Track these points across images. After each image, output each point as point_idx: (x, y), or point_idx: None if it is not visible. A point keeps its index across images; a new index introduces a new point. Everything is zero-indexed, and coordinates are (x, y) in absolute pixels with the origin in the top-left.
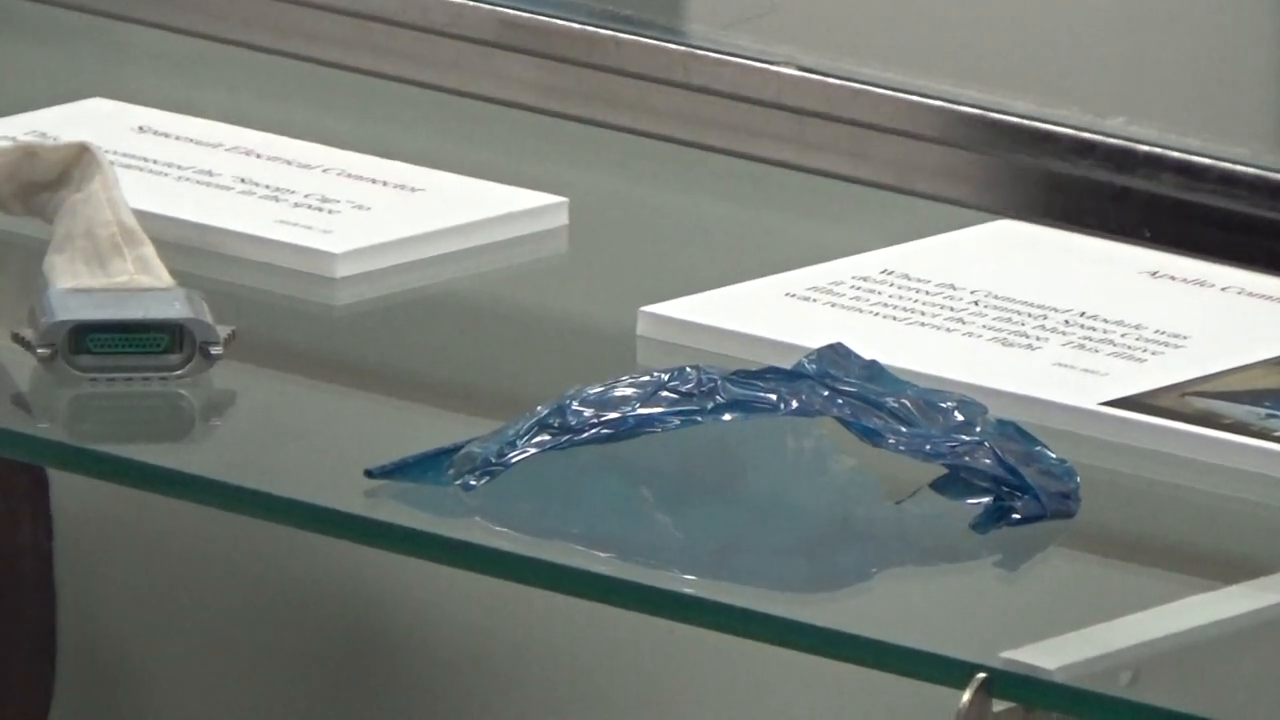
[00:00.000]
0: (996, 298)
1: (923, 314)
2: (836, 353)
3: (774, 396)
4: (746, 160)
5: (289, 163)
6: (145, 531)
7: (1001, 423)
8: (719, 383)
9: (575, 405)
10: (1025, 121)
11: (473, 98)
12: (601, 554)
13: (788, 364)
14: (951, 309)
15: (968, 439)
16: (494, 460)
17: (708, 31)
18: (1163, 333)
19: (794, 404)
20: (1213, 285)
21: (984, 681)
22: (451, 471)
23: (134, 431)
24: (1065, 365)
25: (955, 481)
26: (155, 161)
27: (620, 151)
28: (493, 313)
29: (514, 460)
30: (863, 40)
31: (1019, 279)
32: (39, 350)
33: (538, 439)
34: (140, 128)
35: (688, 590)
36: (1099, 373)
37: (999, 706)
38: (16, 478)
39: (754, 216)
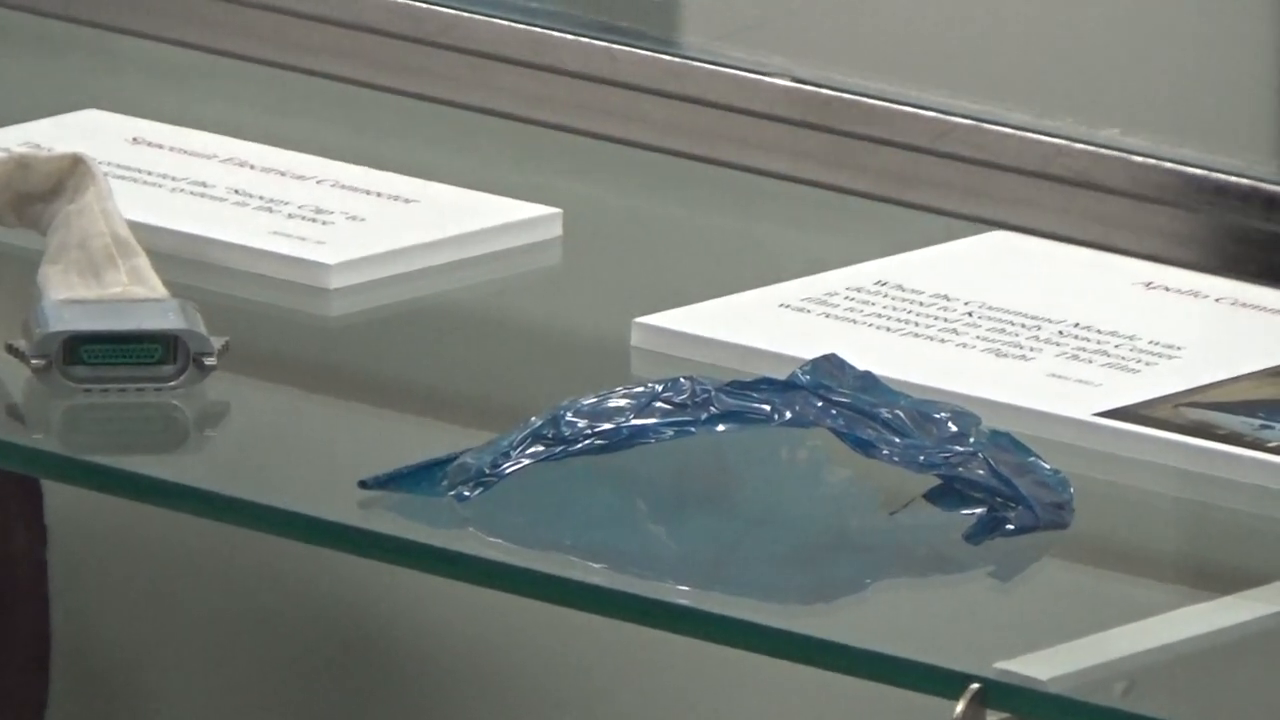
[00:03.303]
0: (990, 309)
1: (917, 325)
2: (830, 363)
3: (768, 407)
4: (740, 171)
5: (283, 174)
6: (139, 541)
7: (995, 433)
8: (713, 393)
9: (569, 416)
10: (1020, 132)
11: (467, 109)
12: (595, 565)
13: (782, 375)
14: (945, 320)
15: (961, 450)
16: (488, 471)
17: (702, 43)
18: (1157, 343)
19: (788, 415)
20: (1207, 296)
21: (977, 692)
22: (445, 482)
23: (128, 442)
24: (1059, 376)
25: (949, 492)
26: (149, 173)
27: (614, 163)
28: (487, 324)
29: (508, 471)
30: (856, 51)
31: (1013, 290)
32: (33, 361)
33: (532, 450)
34: (134, 139)
35: (682, 601)
36: (1093, 383)
37: (993, 717)
38: (10, 487)
39: (748, 227)
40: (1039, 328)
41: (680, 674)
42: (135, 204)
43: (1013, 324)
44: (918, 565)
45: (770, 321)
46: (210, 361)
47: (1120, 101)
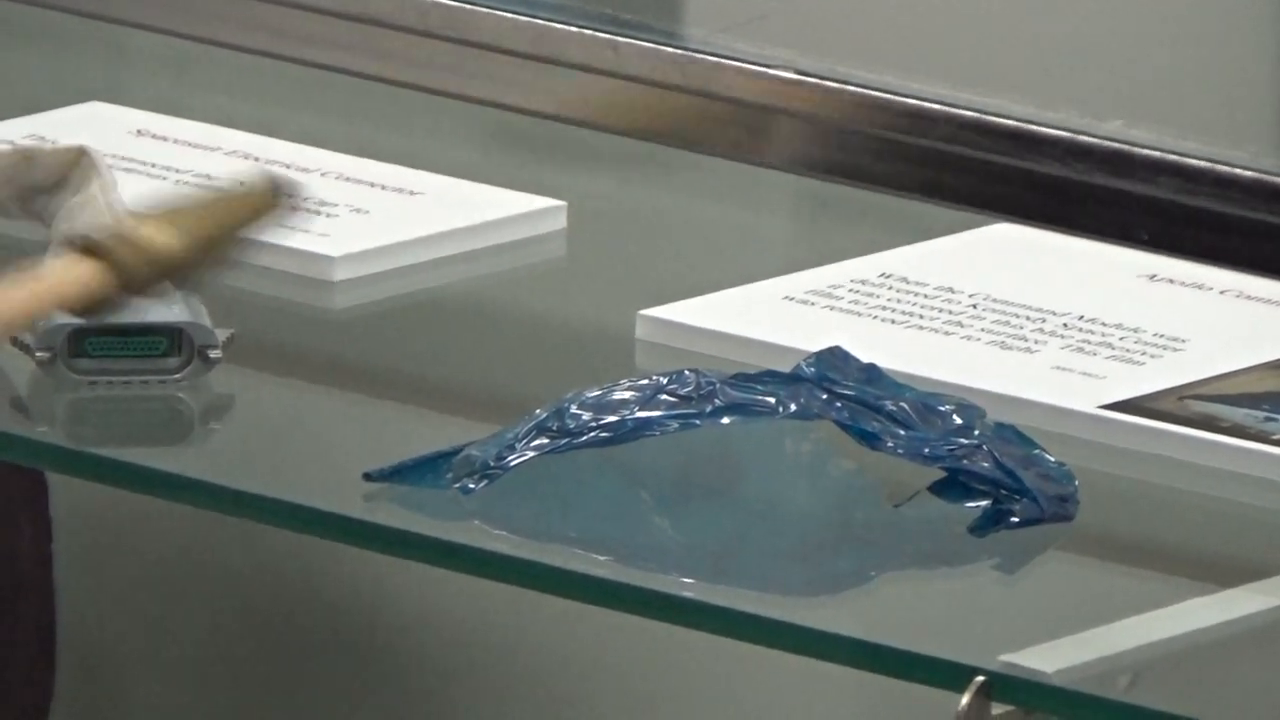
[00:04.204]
0: (995, 301)
1: (921, 317)
2: (835, 356)
3: (772, 400)
4: (745, 164)
5: (287, 166)
6: (144, 534)
7: (1000, 426)
8: (717, 386)
9: (574, 408)
10: (1023, 125)
11: (471, 101)
12: (600, 557)
13: (786, 367)
14: (950, 312)
15: (966, 442)
16: (493, 463)
17: (705, 35)
18: (1161, 336)
19: (792, 407)
20: (1211, 288)
21: (982, 684)
22: (450, 475)
23: (132, 435)
24: (1064, 368)
25: (954, 485)
26: (153, 165)
27: (618, 155)
28: (491, 316)
29: (513, 463)
30: (860, 44)
31: (1017, 282)
32: (38, 354)
33: (536, 442)
34: (138, 131)
35: (686, 593)
36: (1097, 376)
37: (998, 709)
38: (16, 481)
39: (752, 220)
40: (1043, 320)
41: (684, 666)
42: (139, 196)
43: (1017, 317)
44: (922, 558)
45: (775, 314)
46: (215, 354)
47: (1123, 94)
